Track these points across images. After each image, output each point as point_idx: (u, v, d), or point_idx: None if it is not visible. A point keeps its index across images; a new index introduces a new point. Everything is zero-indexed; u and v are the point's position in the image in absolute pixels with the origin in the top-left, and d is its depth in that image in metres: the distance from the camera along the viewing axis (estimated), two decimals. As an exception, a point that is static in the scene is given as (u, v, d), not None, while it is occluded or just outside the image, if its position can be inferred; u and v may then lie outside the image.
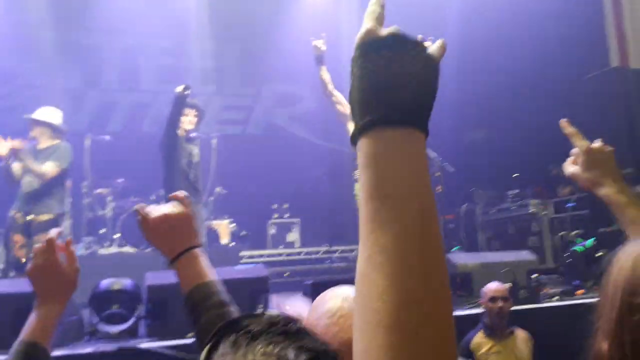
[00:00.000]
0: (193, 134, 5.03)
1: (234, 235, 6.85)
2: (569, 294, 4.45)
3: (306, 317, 0.95)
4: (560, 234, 5.91)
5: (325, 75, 4.51)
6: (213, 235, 6.46)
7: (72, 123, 7.42)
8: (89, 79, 8.33)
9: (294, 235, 7.77)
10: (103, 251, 5.81)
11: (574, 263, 4.87)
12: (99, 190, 6.28)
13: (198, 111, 5.04)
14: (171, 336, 3.35)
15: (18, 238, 4.43)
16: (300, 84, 9.06)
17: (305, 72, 8.82)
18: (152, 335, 3.52)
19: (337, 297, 0.88)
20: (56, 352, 3.10)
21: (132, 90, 8.51)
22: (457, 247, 6.60)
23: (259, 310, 3.38)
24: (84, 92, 8.31)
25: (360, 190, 0.55)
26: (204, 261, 1.21)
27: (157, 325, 3.55)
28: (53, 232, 1.26)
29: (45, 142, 4.63)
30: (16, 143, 4.36)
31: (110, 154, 6.46)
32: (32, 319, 1.21)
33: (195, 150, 5.01)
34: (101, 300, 3.61)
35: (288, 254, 7.37)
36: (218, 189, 6.85)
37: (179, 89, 4.69)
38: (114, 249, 5.76)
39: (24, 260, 4.35)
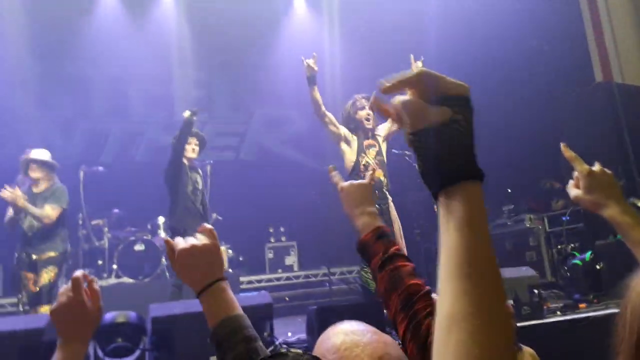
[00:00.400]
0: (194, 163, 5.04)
1: (232, 262, 6.82)
2: (571, 308, 4.46)
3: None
4: (557, 247, 5.96)
5: (317, 95, 4.53)
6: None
7: (64, 154, 7.41)
8: (79, 109, 8.31)
9: (292, 259, 7.75)
10: (102, 282, 5.74)
11: (574, 277, 4.90)
12: (94, 222, 6.23)
13: (199, 140, 5.04)
14: (179, 367, 3.34)
15: (29, 275, 4.49)
16: (290, 107, 9.14)
17: (294, 95, 8.91)
18: (158, 367, 3.49)
19: (340, 332, 0.93)
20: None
21: (122, 120, 8.51)
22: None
23: (272, 342, 3.36)
24: (75, 122, 8.29)
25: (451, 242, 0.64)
26: (230, 294, 1.21)
27: (163, 357, 3.52)
28: (79, 273, 1.26)
29: (43, 184, 4.69)
30: (10, 195, 4.40)
31: (104, 185, 6.43)
32: (56, 359, 1.20)
33: (198, 177, 5.02)
34: (106, 334, 3.56)
35: (287, 278, 7.34)
36: (214, 215, 6.84)
37: (187, 113, 4.69)
38: (112, 280, 5.69)
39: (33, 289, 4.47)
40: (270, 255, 7.81)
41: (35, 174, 4.66)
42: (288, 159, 9.14)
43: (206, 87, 9.07)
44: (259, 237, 7.84)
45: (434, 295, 1.25)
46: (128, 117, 8.55)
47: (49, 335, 2.95)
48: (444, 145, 0.65)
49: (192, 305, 3.74)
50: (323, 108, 4.56)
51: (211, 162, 5.85)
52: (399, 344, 1.06)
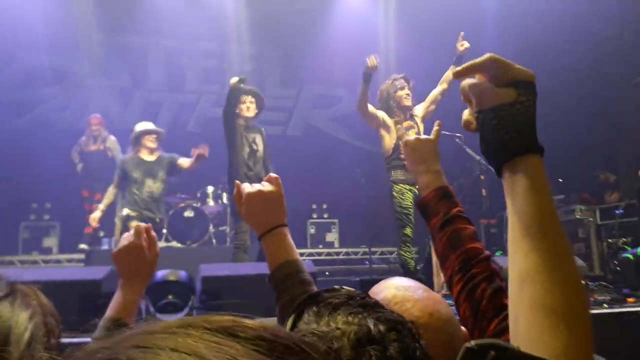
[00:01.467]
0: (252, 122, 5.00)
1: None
2: (619, 301, 4.36)
3: None
4: (607, 240, 5.79)
5: (367, 91, 4.54)
6: (253, 232, 6.57)
7: (121, 121, 7.70)
8: (136, 79, 8.58)
9: (333, 236, 7.83)
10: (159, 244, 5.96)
11: (624, 271, 4.77)
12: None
13: (255, 97, 5.02)
14: (224, 327, 3.47)
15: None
16: (339, 86, 9.14)
17: (343, 74, 8.90)
18: (205, 325, 3.62)
19: (391, 287, 0.92)
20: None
21: (177, 91, 8.72)
22: (499, 252, 6.54)
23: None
24: (132, 92, 8.56)
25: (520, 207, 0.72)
26: (290, 240, 1.26)
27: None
28: (142, 226, 1.36)
29: (156, 153, 5.21)
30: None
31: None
32: (116, 298, 1.30)
33: (258, 137, 4.98)
34: (157, 291, 3.73)
35: (328, 254, 7.43)
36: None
37: (234, 80, 4.78)
38: (162, 244, 5.91)
39: None
40: (312, 231, 7.92)
41: (152, 144, 5.15)
42: (334, 136, 9.18)
43: (257, 62, 9.17)
44: (301, 212, 7.94)
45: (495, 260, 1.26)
46: (182, 89, 8.76)
47: (107, 286, 3.11)
48: (510, 121, 0.72)
49: (241, 267, 3.86)
50: (368, 104, 4.57)
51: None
52: (452, 306, 1.06)
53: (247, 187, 1.28)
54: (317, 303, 0.67)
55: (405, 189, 4.58)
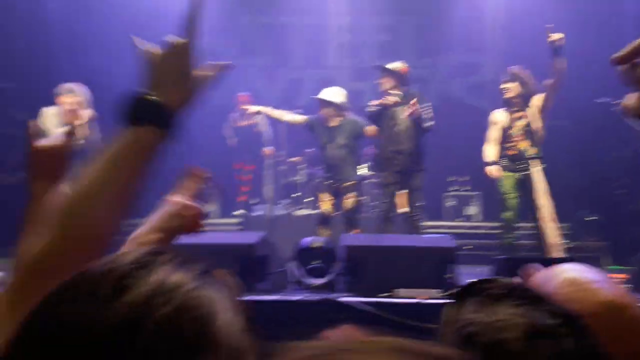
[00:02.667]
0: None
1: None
2: None
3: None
4: None
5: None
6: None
7: (267, 98, 8.24)
8: (279, 57, 9.07)
9: (473, 209, 7.67)
10: (298, 213, 6.43)
11: None
12: (293, 159, 6.93)
13: (392, 77, 5.12)
14: (366, 294, 3.61)
15: (326, 196, 5.22)
16: (479, 53, 8.77)
17: (483, 41, 8.52)
18: (348, 291, 3.79)
19: (572, 270, 0.88)
20: (269, 297, 3.59)
21: (316, 67, 9.06)
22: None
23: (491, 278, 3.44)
24: (276, 70, 9.08)
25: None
26: None
27: (354, 282, 3.87)
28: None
29: (334, 121, 5.29)
30: None
31: (300, 127, 7.02)
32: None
33: (401, 115, 5.06)
34: (305, 255, 4.05)
35: (469, 227, 7.32)
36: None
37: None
38: (306, 211, 6.34)
39: (332, 214, 5.21)
40: (450, 204, 7.82)
41: (323, 111, 5.33)
42: (473, 107, 8.87)
43: (391, 32, 9.15)
44: (439, 183, 7.87)
45: None
46: (321, 65, 9.07)
47: (261, 250, 3.43)
48: None
49: (383, 239, 4.01)
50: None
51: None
52: None
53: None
54: (478, 293, 0.67)
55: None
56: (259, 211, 7.02)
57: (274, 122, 6.19)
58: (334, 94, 5.33)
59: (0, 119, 6.45)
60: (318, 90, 9.05)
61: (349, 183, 5.24)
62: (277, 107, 7.10)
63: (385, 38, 8.99)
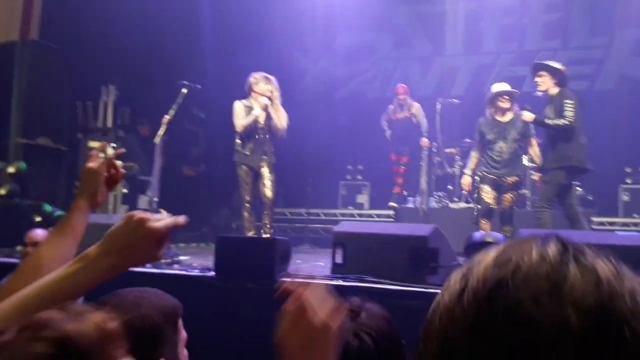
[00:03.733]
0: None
1: (581, 199, 6.48)
2: None
3: None
4: None
5: None
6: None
7: (421, 88, 8.20)
8: (436, 46, 8.93)
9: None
10: (453, 205, 6.33)
11: None
12: (448, 150, 6.82)
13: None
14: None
15: (488, 189, 5.19)
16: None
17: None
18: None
19: None
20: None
21: (474, 54, 8.75)
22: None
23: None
24: (431, 59, 8.97)
25: None
26: None
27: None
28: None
29: (507, 114, 5.23)
30: None
31: (457, 116, 6.89)
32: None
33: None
34: (476, 250, 3.98)
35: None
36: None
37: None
38: (462, 205, 6.22)
39: (494, 207, 5.15)
40: (626, 198, 7.08)
41: (505, 104, 5.19)
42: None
43: (561, 10, 8.44)
44: (613, 175, 7.16)
45: None
46: (479, 50, 8.74)
47: (433, 243, 3.41)
48: None
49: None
50: None
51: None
52: None
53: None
54: None
55: None
56: (411, 203, 7.05)
57: (431, 113, 6.16)
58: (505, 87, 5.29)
59: (183, 116, 7.32)
60: (474, 78, 8.78)
61: (513, 179, 5.14)
62: (432, 96, 7.04)
63: (553, 17, 8.35)
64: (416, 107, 7.16)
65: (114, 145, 6.70)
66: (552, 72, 4.90)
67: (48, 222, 5.06)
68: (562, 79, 4.93)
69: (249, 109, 5.09)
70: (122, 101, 7.52)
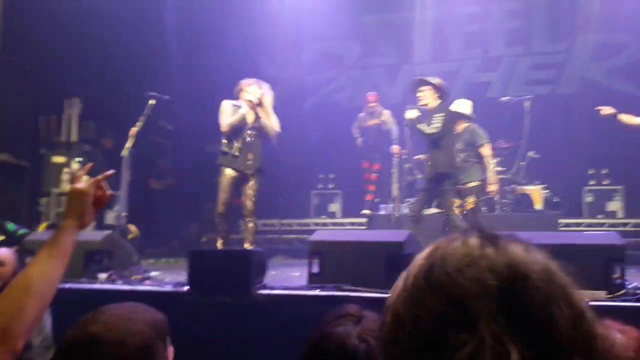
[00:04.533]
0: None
1: (548, 202, 6.64)
2: None
3: None
4: None
5: None
6: (527, 200, 6.39)
7: (390, 96, 8.26)
8: (402, 55, 9.03)
9: (616, 205, 7.05)
10: (424, 212, 6.34)
11: None
12: (417, 157, 6.86)
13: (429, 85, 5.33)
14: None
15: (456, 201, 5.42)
16: (622, 32, 8.00)
17: (628, 17, 7.71)
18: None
19: None
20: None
21: (440, 61, 8.88)
22: None
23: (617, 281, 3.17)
24: (399, 67, 9.07)
25: None
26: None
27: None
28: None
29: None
30: None
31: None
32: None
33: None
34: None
35: (611, 225, 6.74)
36: (531, 154, 6.72)
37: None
38: (433, 210, 6.25)
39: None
40: (590, 199, 7.27)
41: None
42: (617, 91, 8.10)
43: (522, 17, 8.68)
44: (576, 177, 7.34)
45: None
46: (445, 58, 8.88)
47: (408, 249, 3.41)
48: None
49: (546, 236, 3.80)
50: None
51: (529, 97, 5.71)
52: None
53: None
54: None
55: None
56: (383, 210, 7.08)
57: (401, 120, 6.21)
58: (461, 106, 5.68)
59: (151, 128, 7.20)
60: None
61: (472, 184, 5.43)
62: (401, 104, 7.08)
63: (515, 24, 8.59)
64: (386, 114, 7.18)
65: (80, 159, 6.54)
66: (434, 87, 5.26)
67: (11, 241, 4.88)
68: (443, 93, 5.30)
69: (237, 108, 5.00)
70: (86, 114, 7.36)
